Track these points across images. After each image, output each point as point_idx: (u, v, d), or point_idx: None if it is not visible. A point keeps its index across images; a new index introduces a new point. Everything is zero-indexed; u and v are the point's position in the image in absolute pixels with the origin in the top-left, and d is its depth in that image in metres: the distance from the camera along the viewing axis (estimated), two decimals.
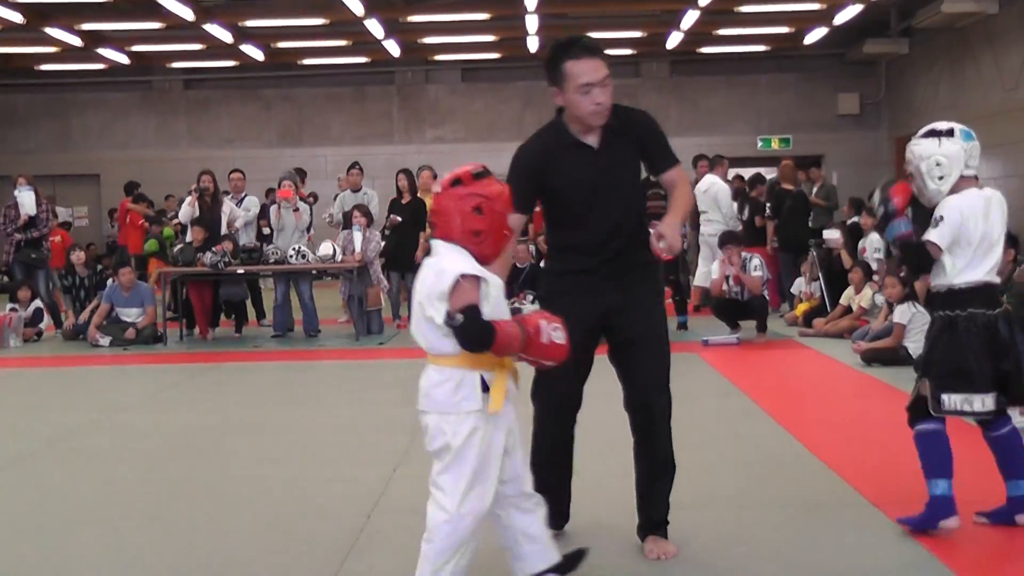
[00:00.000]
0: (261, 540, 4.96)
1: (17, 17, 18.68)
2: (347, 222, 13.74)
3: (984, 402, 4.70)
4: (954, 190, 4.79)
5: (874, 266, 12.36)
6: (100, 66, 23.57)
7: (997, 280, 4.94)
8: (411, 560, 4.58)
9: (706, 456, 6.39)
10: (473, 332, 3.65)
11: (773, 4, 19.50)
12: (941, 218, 4.74)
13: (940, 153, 4.79)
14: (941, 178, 4.79)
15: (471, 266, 3.74)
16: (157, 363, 11.49)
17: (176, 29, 19.95)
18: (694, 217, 15.37)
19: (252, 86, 24.50)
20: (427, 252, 13.95)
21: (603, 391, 4.69)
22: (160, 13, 18.43)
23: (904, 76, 22.67)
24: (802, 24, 21.17)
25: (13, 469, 6.70)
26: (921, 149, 4.83)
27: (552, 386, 4.52)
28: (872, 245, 12.79)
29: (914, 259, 5.02)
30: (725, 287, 11.55)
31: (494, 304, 3.79)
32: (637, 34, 21.90)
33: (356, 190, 14.61)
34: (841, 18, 20.08)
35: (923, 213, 5.07)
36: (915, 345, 9.30)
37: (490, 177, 3.83)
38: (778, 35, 22.26)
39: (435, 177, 14.96)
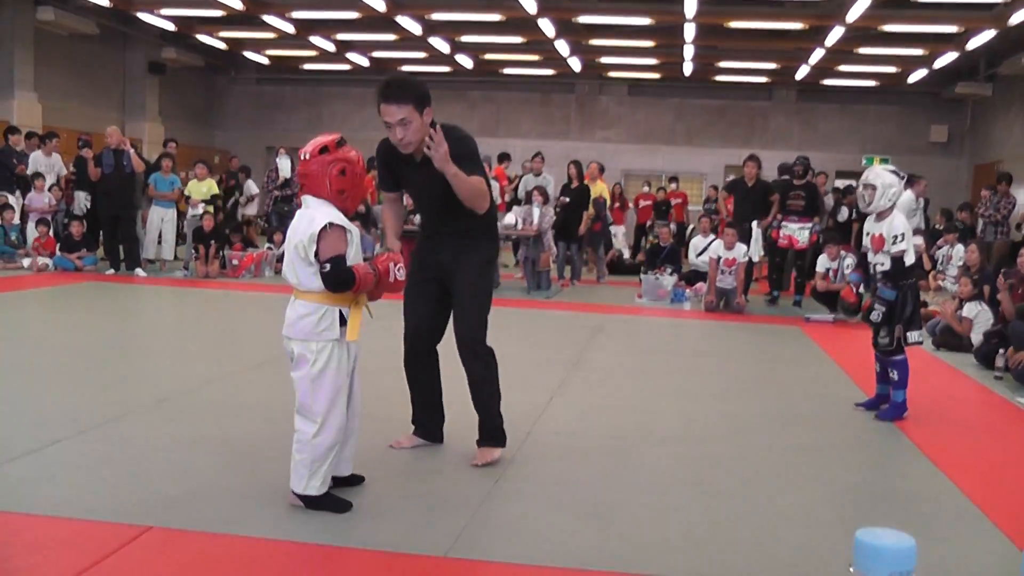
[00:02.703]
0: (446, 443, 5.00)
1: (290, 28, 19.40)
2: (528, 199, 13.78)
3: (922, 335, 6.13)
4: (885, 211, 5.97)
5: (954, 272, 11.93)
6: (346, 67, 24.12)
7: None
8: (559, 468, 4.64)
9: (799, 410, 6.29)
10: (338, 278, 3.67)
11: (885, 48, 18.85)
12: (903, 235, 5.87)
13: (897, 189, 5.91)
14: (890, 201, 5.89)
15: (338, 217, 3.73)
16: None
17: (407, 40, 20.20)
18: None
19: (461, 88, 24.65)
20: (589, 228, 13.70)
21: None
22: (395, 27, 18.78)
23: (986, 114, 21.87)
24: (907, 66, 20.47)
25: (259, 370, 6.95)
26: (890, 180, 5.89)
27: (407, 317, 4.81)
28: (957, 254, 12.33)
29: (903, 268, 5.94)
30: (829, 277, 11.26)
31: (356, 249, 3.80)
32: (772, 65, 21.37)
33: (537, 174, 14.62)
34: (940, 63, 19.41)
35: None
36: (976, 336, 8.90)
37: (348, 145, 3.83)
38: (886, 74, 21.58)
39: (601, 169, 14.91)
